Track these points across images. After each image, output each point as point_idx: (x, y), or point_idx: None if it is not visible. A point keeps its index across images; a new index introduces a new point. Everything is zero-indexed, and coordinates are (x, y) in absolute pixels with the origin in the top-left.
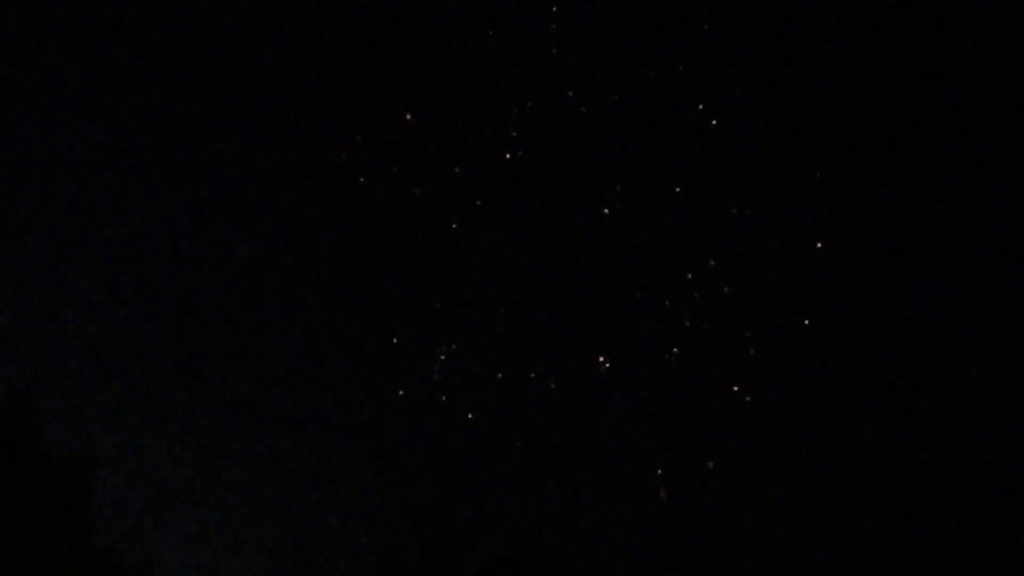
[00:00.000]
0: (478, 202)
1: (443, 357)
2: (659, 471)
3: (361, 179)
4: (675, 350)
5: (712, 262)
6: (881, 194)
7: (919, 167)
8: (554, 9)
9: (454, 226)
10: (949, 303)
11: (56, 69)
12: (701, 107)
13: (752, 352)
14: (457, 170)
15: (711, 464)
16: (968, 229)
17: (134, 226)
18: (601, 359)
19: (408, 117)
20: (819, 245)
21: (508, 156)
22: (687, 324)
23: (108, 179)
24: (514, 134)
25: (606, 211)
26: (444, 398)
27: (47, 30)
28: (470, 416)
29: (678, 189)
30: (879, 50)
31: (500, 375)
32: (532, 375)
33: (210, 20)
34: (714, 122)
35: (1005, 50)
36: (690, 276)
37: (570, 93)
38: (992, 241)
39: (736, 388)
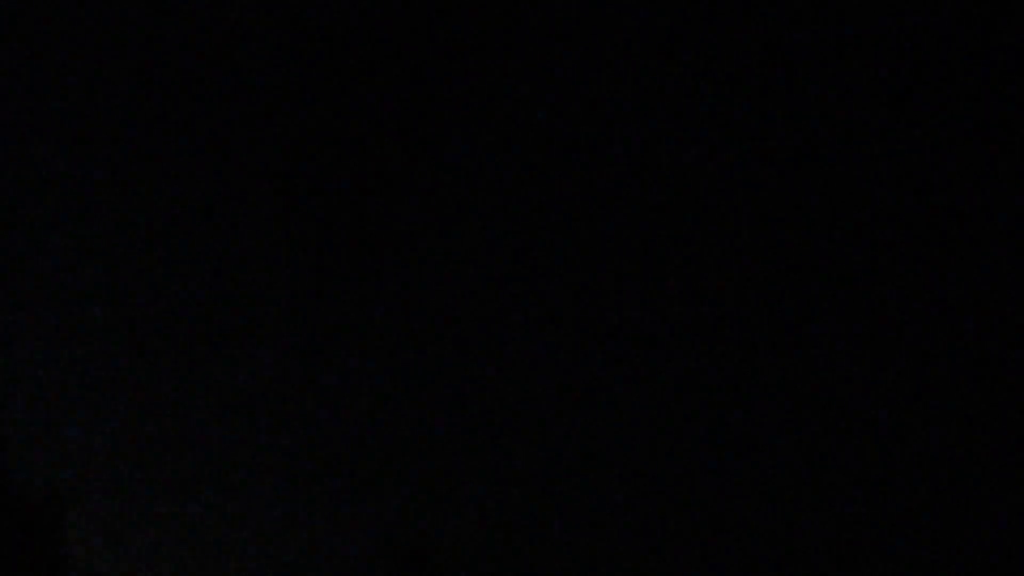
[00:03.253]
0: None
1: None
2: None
3: (355, 177)
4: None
5: (713, 262)
6: (882, 195)
7: (920, 168)
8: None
9: (451, 230)
10: (948, 303)
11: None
12: (701, 107)
13: (754, 352)
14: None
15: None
16: (968, 230)
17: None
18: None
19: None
20: (821, 246)
21: (504, 155)
22: (690, 325)
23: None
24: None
25: (604, 210)
26: (421, 414)
27: (45, 30)
28: (451, 436)
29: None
30: (880, 51)
31: (484, 392)
32: (519, 391)
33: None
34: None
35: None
36: (691, 276)
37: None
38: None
39: (739, 389)
